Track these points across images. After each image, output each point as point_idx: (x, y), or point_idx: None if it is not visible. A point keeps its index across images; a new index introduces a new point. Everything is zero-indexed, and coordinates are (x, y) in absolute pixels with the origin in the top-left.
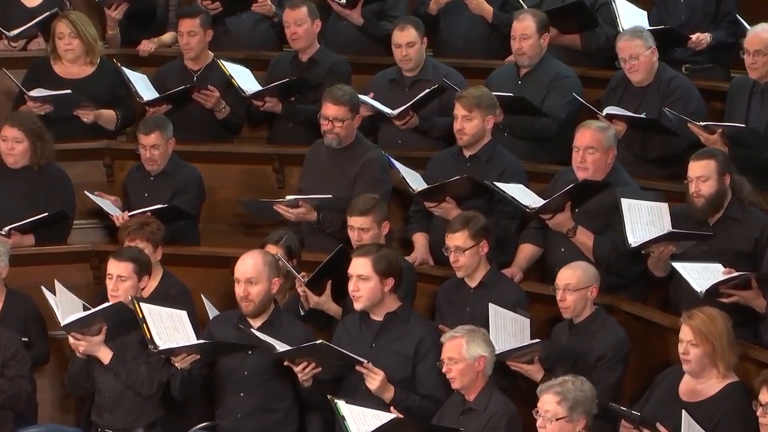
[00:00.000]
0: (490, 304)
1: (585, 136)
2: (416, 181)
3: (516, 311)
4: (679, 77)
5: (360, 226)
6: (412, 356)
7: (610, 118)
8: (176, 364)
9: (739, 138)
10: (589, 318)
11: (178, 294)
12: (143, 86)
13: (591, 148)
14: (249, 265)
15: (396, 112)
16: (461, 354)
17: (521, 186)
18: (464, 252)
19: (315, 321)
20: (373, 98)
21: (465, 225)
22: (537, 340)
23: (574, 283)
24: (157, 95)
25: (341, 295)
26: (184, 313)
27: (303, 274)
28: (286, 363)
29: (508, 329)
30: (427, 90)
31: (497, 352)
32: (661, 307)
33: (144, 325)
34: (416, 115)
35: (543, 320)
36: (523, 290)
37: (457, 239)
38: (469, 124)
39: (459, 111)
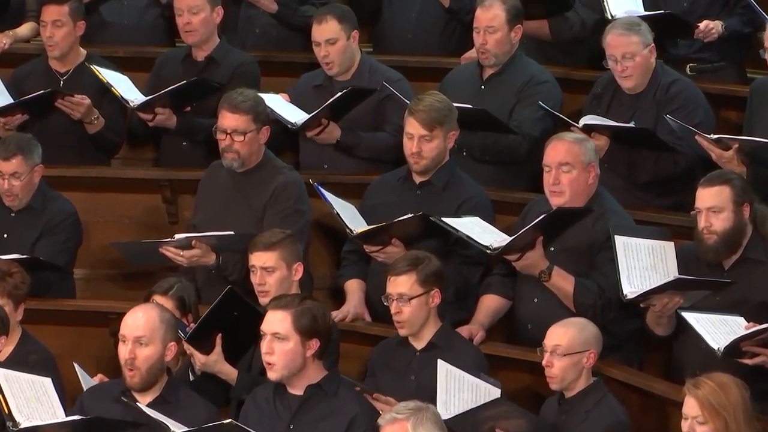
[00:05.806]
0: (439, 361)
1: (557, 150)
2: (354, 219)
3: (479, 376)
4: (681, 81)
5: (263, 265)
6: None
7: (589, 130)
8: None
9: (761, 156)
10: (584, 392)
11: (39, 361)
12: None
13: (566, 164)
14: (140, 321)
15: (300, 121)
16: None
17: (477, 219)
18: (409, 301)
19: (210, 393)
20: (291, 101)
21: (413, 267)
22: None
23: (565, 345)
24: (11, 101)
25: (237, 355)
26: (48, 381)
27: (188, 327)
28: None
29: (465, 397)
30: (341, 93)
31: (447, 417)
32: (663, 373)
33: (0, 397)
34: (335, 125)
35: (511, 392)
36: (482, 354)
37: (401, 284)
38: (429, 145)
39: (415, 129)
